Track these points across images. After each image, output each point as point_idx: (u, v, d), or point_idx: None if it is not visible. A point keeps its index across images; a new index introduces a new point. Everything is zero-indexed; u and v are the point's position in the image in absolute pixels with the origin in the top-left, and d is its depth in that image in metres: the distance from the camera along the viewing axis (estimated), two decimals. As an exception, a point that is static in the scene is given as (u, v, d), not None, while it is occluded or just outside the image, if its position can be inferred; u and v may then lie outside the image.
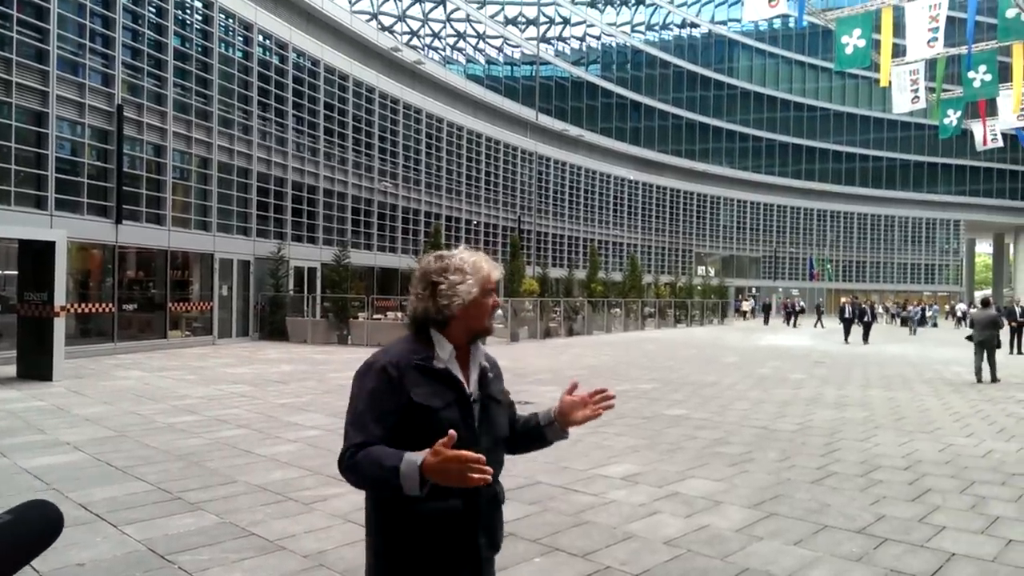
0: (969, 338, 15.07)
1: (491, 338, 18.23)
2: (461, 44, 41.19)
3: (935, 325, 45.60)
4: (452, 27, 40.37)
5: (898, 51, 20.15)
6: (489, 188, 38.52)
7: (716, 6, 59.75)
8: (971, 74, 20.33)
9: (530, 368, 15.97)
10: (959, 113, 23.59)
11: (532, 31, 45.86)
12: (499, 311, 26.69)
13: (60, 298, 12.42)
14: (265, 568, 4.21)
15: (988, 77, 20.30)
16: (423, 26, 38.66)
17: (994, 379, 14.38)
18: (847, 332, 27.71)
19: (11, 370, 12.99)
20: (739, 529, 5.05)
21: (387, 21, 36.40)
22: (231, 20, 22.96)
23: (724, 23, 60.01)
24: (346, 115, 28.10)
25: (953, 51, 21.99)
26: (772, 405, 11.01)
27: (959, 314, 45.05)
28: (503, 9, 44.34)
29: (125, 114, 18.40)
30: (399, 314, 24.85)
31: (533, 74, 45.25)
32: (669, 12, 56.97)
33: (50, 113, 16.46)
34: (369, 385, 1.93)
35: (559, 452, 7.35)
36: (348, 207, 28.23)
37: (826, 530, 5.05)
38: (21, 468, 6.41)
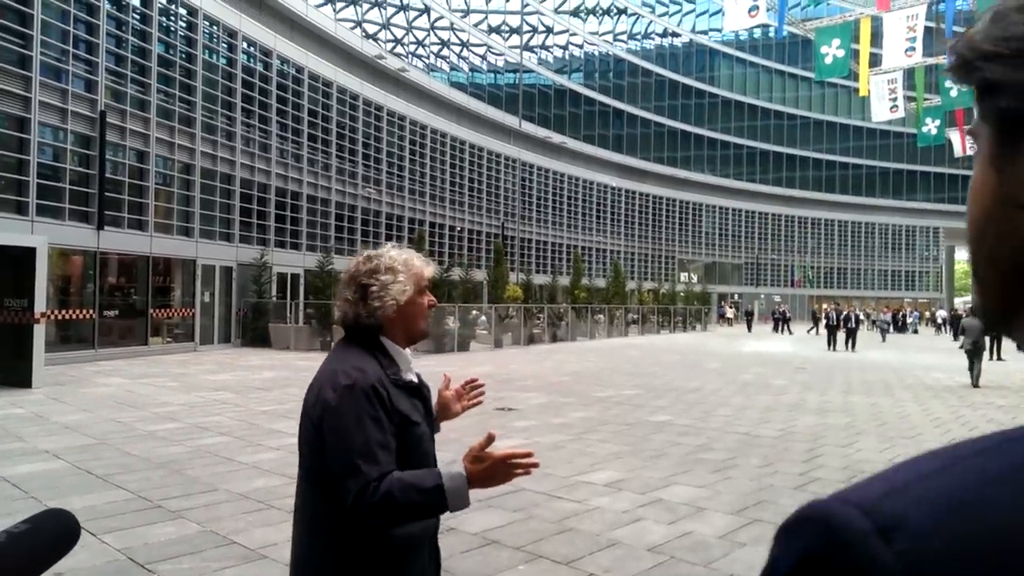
0: (966, 348, 15.43)
1: (475, 344, 18.38)
2: (445, 52, 41.29)
3: (916, 331, 46.13)
4: (436, 35, 40.46)
5: (876, 61, 20.45)
6: (473, 195, 38.55)
7: (697, 16, 60.32)
8: (948, 83, 20.66)
9: (515, 374, 15.98)
10: (938, 122, 23.96)
11: (515, 39, 46.06)
12: (483, 316, 26.84)
13: (40, 304, 12.28)
14: (248, 577, 4.19)
15: (966, 86, 20.62)
16: (407, 34, 38.72)
17: (976, 382, 14.93)
18: (831, 339, 27.72)
19: (-12, 378, 12.81)
20: (722, 536, 5.08)
21: (371, 29, 36.41)
22: (215, 27, 22.86)
23: (705, 33, 60.57)
24: (330, 122, 28.05)
25: (931, 60, 22.38)
26: (755, 411, 11.09)
27: (939, 320, 45.59)
28: (487, 18, 44.49)
29: (108, 120, 18.25)
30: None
31: (516, 82, 45.40)
32: (651, 22, 57.46)
33: (32, 119, 16.28)
34: (368, 408, 1.74)
35: (542, 458, 7.34)
36: (332, 213, 28.15)
37: (808, 535, 5.09)
38: (-2, 477, 6.33)
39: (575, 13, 51.55)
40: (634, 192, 53.53)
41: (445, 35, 41.13)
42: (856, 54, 20.06)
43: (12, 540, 0.96)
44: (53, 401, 10.86)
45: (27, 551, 0.97)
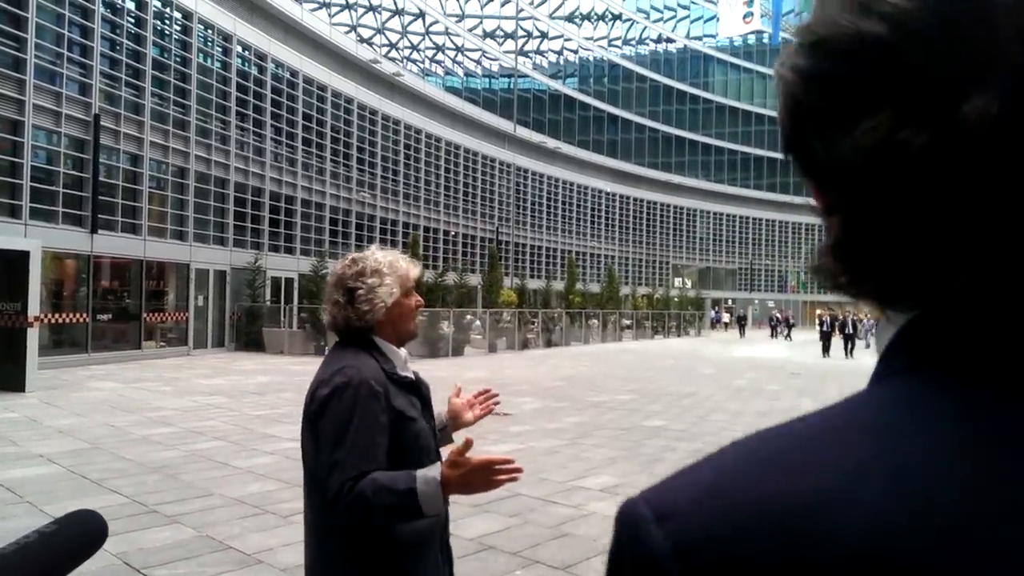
0: None
1: (469, 348, 18.35)
2: (440, 57, 41.34)
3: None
4: (431, 40, 40.52)
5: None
6: (467, 199, 38.59)
7: (692, 22, 60.63)
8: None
9: (509, 379, 15.98)
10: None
11: (510, 44, 46.16)
12: (477, 320, 26.84)
13: (34, 308, 12.24)
14: (244, 582, 4.18)
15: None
16: (402, 39, 38.75)
17: None
18: (826, 346, 26.93)
19: (-20, 382, 12.74)
20: (717, 540, 5.09)
21: (366, 33, 36.42)
22: (210, 31, 22.85)
23: (700, 39, 60.88)
24: (324, 126, 28.05)
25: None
26: (749, 416, 11.12)
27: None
28: (481, 23, 44.60)
29: (102, 123, 18.21)
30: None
31: (511, 87, 45.50)
32: (645, 27, 57.71)
33: (26, 122, 16.25)
34: (359, 406, 1.74)
35: (538, 464, 7.38)
36: (326, 217, 28.12)
37: (802, 540, 5.11)
38: (-8, 482, 6.30)
39: (570, 18, 51.73)
40: (628, 197, 53.68)
41: (440, 40, 41.21)
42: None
43: (42, 540, 0.98)
44: (47, 405, 10.82)
45: (55, 551, 0.99)
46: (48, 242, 15.40)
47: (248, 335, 23.02)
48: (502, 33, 46.03)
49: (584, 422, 10.24)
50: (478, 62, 44.01)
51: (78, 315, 17.69)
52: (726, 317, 54.00)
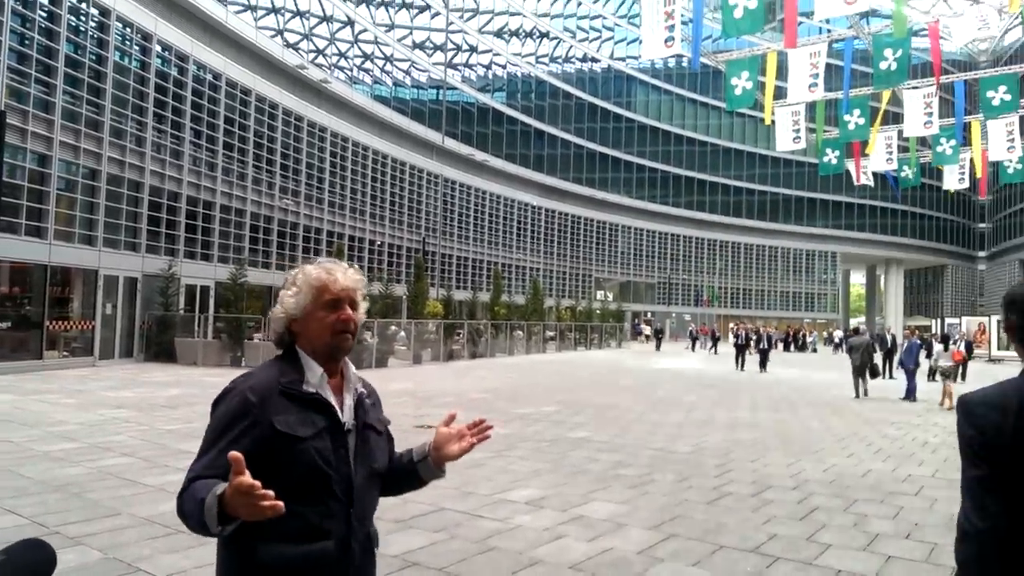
0: (854, 363, 17.31)
1: (394, 360, 18.21)
2: (368, 65, 40.92)
3: (815, 350, 48.62)
4: (359, 48, 40.07)
5: (782, 93, 21.60)
6: (394, 209, 38.24)
7: (616, 43, 62.20)
8: (847, 117, 22.07)
9: (434, 391, 15.87)
10: (837, 152, 25.50)
11: (439, 56, 46.17)
12: (401, 331, 26.55)
13: (-80, 315, 11.37)
14: (157, 606, 3.99)
15: (861, 120, 22.10)
16: (329, 45, 38.17)
17: (864, 394, 16.86)
18: (740, 359, 27.13)
19: None
20: (641, 551, 5.20)
21: (292, 38, 35.70)
22: (128, 29, 21.94)
23: (623, 60, 62.51)
24: (247, 130, 27.30)
25: (831, 95, 23.83)
26: (668, 427, 11.41)
27: (836, 340, 48.18)
28: (411, 33, 44.43)
29: (8, 120, 17.14)
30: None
31: (440, 98, 45.47)
32: (571, 46, 58.82)
33: (-86, 114, 15.14)
34: (222, 412, 1.71)
35: (464, 477, 7.35)
36: (246, 224, 27.32)
37: (722, 550, 5.28)
38: None
39: (498, 34, 52.18)
40: (554, 211, 54.39)
41: (368, 48, 40.80)
42: (764, 86, 21.14)
43: None
44: (-67, 420, 10.05)
45: None
46: (-61, 244, 14.38)
47: (159, 345, 22.03)
48: (431, 45, 45.98)
49: (510, 434, 10.28)
50: (407, 72, 43.79)
51: (-29, 323, 16.55)
52: (647, 329, 55.29)
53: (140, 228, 22.10)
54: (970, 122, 24.12)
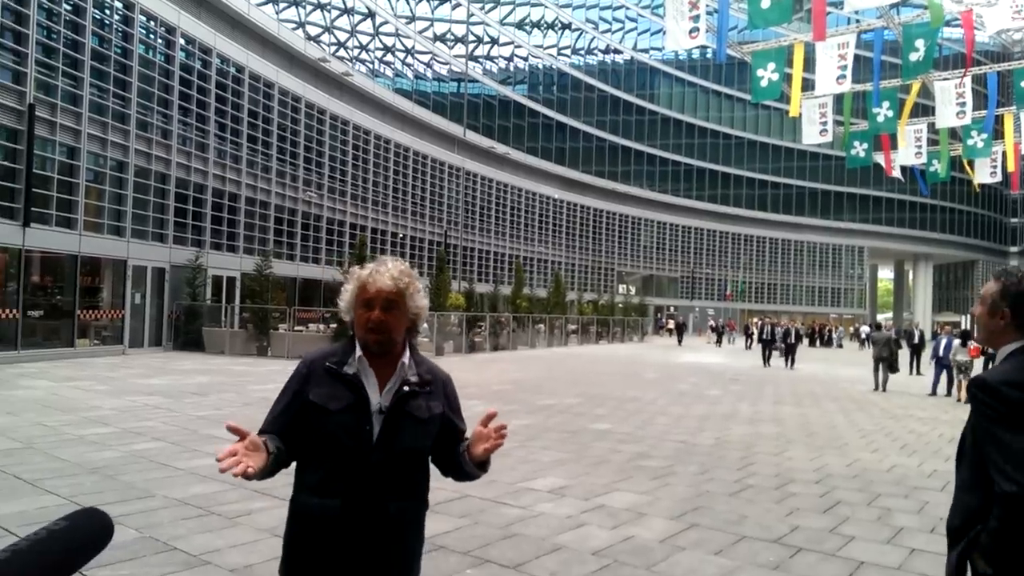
0: (875, 356, 17.89)
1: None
2: (389, 58, 41.09)
3: (840, 346, 48.11)
4: (381, 41, 40.24)
5: (809, 85, 21.34)
6: (416, 202, 38.41)
7: (639, 34, 61.77)
8: (876, 109, 21.71)
9: (457, 382, 15.91)
10: (865, 145, 25.11)
11: (460, 48, 46.20)
12: (423, 324, 26.54)
13: (-43, 303, 11.67)
14: (191, 584, 4.11)
15: (890, 113, 21.74)
16: (351, 38, 38.38)
17: (883, 388, 17.29)
18: (767, 355, 25.94)
19: (-102, 380, 12.10)
20: (663, 540, 5.23)
21: (314, 31, 35.95)
22: (153, 22, 22.24)
23: (647, 51, 62.06)
24: (271, 123, 27.56)
25: (860, 87, 23.49)
26: (691, 420, 11.40)
27: (863, 335, 47.63)
28: (432, 25, 44.53)
29: (37, 114, 17.52)
30: (321, 326, 24.40)
31: (461, 91, 45.52)
32: (594, 38, 58.53)
33: (-48, 108, 15.53)
34: (288, 378, 2.09)
35: (488, 466, 7.42)
36: (271, 216, 27.61)
37: (744, 540, 5.30)
38: (-85, 484, 6.00)
39: (520, 25, 52.08)
40: (576, 204, 54.27)
41: (389, 41, 40.96)
42: (790, 78, 20.89)
43: (51, 537, 0.99)
44: (-29, 405, 10.33)
45: (64, 548, 1.01)
46: (-24, 234, 14.74)
47: (187, 334, 22.40)
48: (452, 37, 46.04)
49: (532, 424, 10.34)
50: (428, 65, 43.91)
51: (8, 311, 16.94)
52: (670, 323, 55.13)
53: (167, 219, 22.44)
54: (1002, 114, 23.66)
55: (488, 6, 48.87)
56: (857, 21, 27.20)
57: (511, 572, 4.47)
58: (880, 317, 71.29)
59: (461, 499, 6.14)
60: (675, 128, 63.65)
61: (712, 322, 50.73)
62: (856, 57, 19.20)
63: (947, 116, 21.09)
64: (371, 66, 39.28)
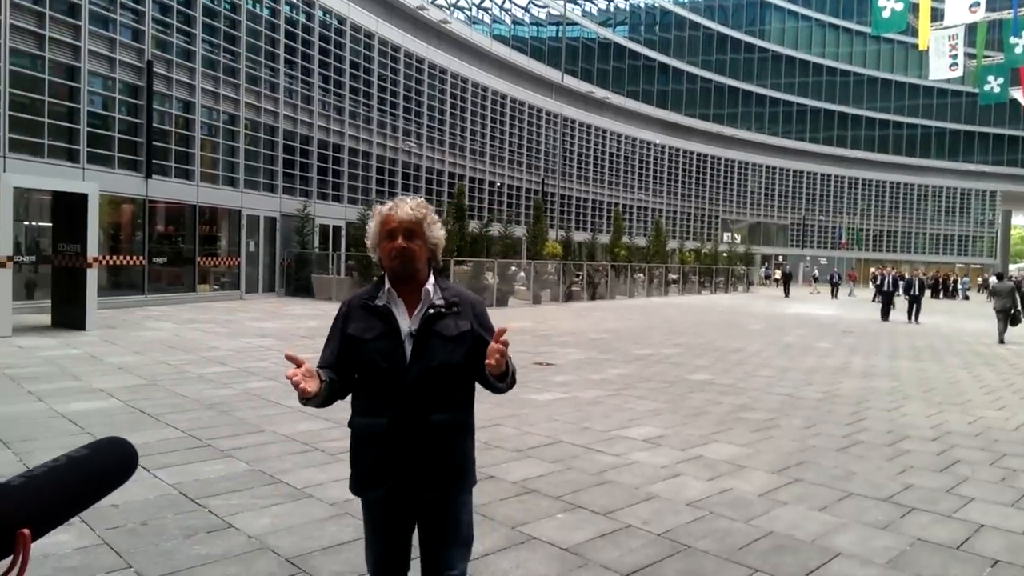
0: (995, 308, 17.65)
1: (514, 300, 18.46)
2: (487, 4, 40.50)
3: (966, 297, 44.92)
4: (480, -16, 39.66)
5: (937, 15, 19.53)
6: (513, 150, 38.21)
7: (750, -35, 58.07)
8: (1013, 39, 19.64)
9: (553, 331, 16.00)
10: (1001, 80, 22.83)
11: (561, -11, 44.94)
12: (521, 272, 26.79)
13: (92, 249, 12.62)
14: (293, 514, 4.30)
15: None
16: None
17: (1001, 340, 16.89)
18: (887, 308, 23.62)
19: (46, 319, 13.29)
20: (763, 494, 5.04)
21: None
22: (258, -26, 22.75)
23: (758, -17, 58.36)
24: (371, 74, 27.91)
25: (995, 16, 21.22)
26: (798, 373, 10.94)
27: (990, 286, 44.26)
28: (532, -34, 43.43)
29: (155, 70, 18.43)
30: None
31: (559, 35, 44.45)
32: (701, -29, 55.54)
33: (82, 68, 16.54)
34: (333, 321, 2.37)
35: (581, 413, 7.39)
36: (373, 166, 28.21)
37: (851, 497, 5.03)
38: (57, 412, 6.58)
39: (622, -38, 50.03)
40: (678, 149, 52.50)
41: (489, -15, 40.32)
42: (916, 8, 19.13)
43: (71, 464, 0.97)
44: (106, 343, 11.23)
45: (84, 476, 0.98)
46: (105, 186, 15.84)
47: (297, 281, 23.48)
48: (552, -22, 44.79)
49: (628, 374, 10.21)
50: (526, 9, 43.02)
51: (135, 258, 18.23)
52: (776, 273, 52.99)
53: (276, 171, 23.34)
54: None
55: (588, -56, 47.14)
56: (1000, -63, 24.42)
57: (602, 519, 4.43)
58: (1013, 267, 65.81)
59: (554, 444, 6.14)
60: (787, 66, 59.93)
61: (816, 272, 48.25)
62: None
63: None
64: (469, 13, 38.89)
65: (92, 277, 12.64)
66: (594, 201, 44.83)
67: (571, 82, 43.51)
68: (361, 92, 27.45)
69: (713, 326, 19.04)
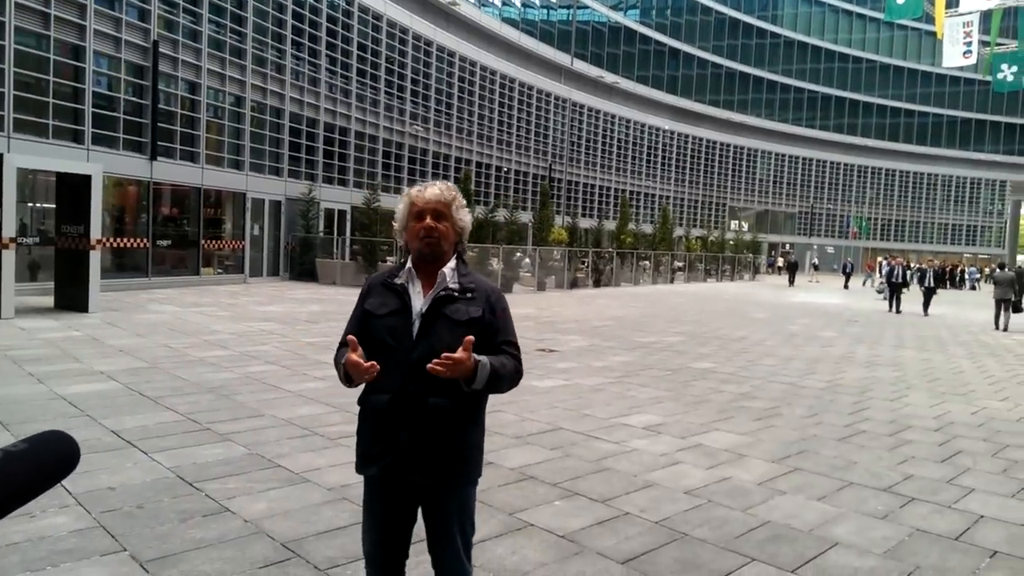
0: (995, 297, 18.56)
1: (518, 286, 18.43)
2: (497, -15, 40.15)
3: (974, 288, 44.64)
4: (488, -33, 39.28)
5: (952, 1, 19.28)
6: (520, 135, 38.01)
7: (763, -51, 57.36)
8: (1029, 26, 19.36)
9: (556, 317, 15.96)
10: (1015, 68, 22.53)
11: (570, -28, 44.48)
12: (526, 258, 26.72)
13: (96, 231, 12.62)
14: (290, 498, 4.29)
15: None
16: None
17: (1004, 328, 17.68)
18: (896, 299, 22.59)
19: (49, 300, 13.32)
20: (762, 482, 5.02)
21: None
22: (264, -45, 22.56)
23: (771, -33, 57.66)
24: (379, 56, 27.73)
25: (1011, 2, 20.90)
26: (801, 362, 10.88)
27: (993, 277, 43.91)
28: (541, -51, 43.00)
29: (160, 50, 18.34)
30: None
31: (570, 18, 44.08)
32: (713, -45, 54.88)
33: (87, 47, 16.47)
34: (358, 298, 2.41)
35: (581, 400, 7.37)
36: (379, 150, 28.10)
37: (851, 487, 5.00)
38: (56, 394, 6.59)
39: (633, -55, 49.50)
40: (687, 136, 52.15)
41: (497, -32, 39.93)
42: (931, -7, 18.88)
43: (8, 458, 0.93)
44: (108, 325, 11.25)
45: (23, 471, 0.94)
46: (109, 167, 15.81)
47: (301, 265, 23.46)
48: (561, -39, 44.35)
49: (631, 362, 10.17)
50: (536, -9, 42.64)
51: (139, 240, 18.24)
52: (780, 261, 52.74)
53: (282, 153, 23.26)
54: None
55: (598, -74, 46.60)
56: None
57: (600, 506, 4.41)
58: (1021, 258, 65.30)
59: (553, 431, 6.12)
60: (799, 51, 59.34)
61: (816, 261, 48.01)
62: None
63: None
64: (477, -5, 38.57)
65: (95, 259, 12.65)
66: (601, 187, 44.63)
67: (580, 66, 43.19)
68: (368, 75, 27.30)
69: (717, 314, 18.97)
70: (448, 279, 2.28)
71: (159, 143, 18.36)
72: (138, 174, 18.00)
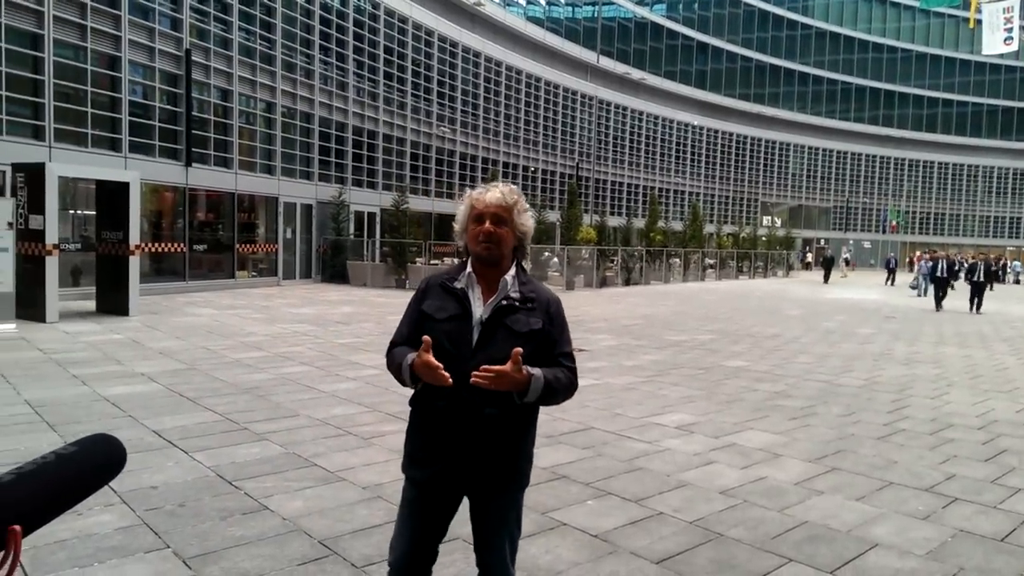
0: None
1: (547, 285, 18.34)
2: (523, -16, 40.12)
3: (1017, 282, 43.53)
4: (514, -34, 39.27)
5: (992, -14, 18.79)
6: (547, 134, 37.95)
7: (792, -60, 56.45)
8: (1073, 11, 18.82)
9: (586, 317, 15.92)
10: (1057, 54, 21.94)
11: (597, -30, 44.28)
12: (555, 257, 26.70)
13: (135, 237, 12.93)
14: (325, 497, 4.35)
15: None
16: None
17: None
18: (941, 295, 21.23)
19: (91, 305, 13.66)
20: (798, 482, 4.95)
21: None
22: (292, -39, 22.85)
23: (801, -41, 56.74)
24: (405, 59, 27.90)
25: (1055, -15, 20.32)
26: (837, 359, 10.71)
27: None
28: (567, -53, 42.86)
29: (193, 58, 18.68)
30: (455, 260, 25.04)
31: (595, 15, 43.87)
32: (742, -53, 54.17)
33: (123, 57, 16.84)
34: (412, 297, 2.39)
35: (613, 399, 7.34)
36: (407, 152, 28.28)
37: (891, 487, 4.91)
38: (100, 396, 6.76)
39: (659, -59, 49.07)
40: (716, 131, 51.58)
41: (523, -33, 39.91)
42: (969, -22, 18.45)
43: (60, 461, 0.97)
44: (148, 328, 11.50)
45: (73, 473, 0.98)
46: (146, 174, 16.19)
47: (333, 267, 23.73)
48: (587, -42, 44.16)
49: (662, 360, 10.11)
50: (562, -11, 42.52)
51: (176, 245, 18.60)
52: (809, 256, 52.00)
53: (312, 157, 23.54)
54: None
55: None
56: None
57: (633, 506, 4.40)
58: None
59: (585, 431, 6.11)
60: (831, 42, 58.27)
61: (847, 255, 47.10)
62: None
63: None
64: (503, -5, 38.60)
65: (134, 264, 12.95)
66: (629, 185, 44.37)
67: (607, 63, 42.97)
68: (395, 77, 27.49)
69: (750, 312, 18.76)
70: (509, 287, 2.25)
71: (193, 150, 18.71)
72: (174, 180, 18.36)
